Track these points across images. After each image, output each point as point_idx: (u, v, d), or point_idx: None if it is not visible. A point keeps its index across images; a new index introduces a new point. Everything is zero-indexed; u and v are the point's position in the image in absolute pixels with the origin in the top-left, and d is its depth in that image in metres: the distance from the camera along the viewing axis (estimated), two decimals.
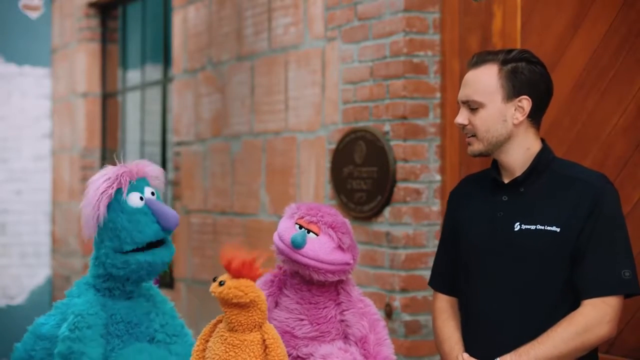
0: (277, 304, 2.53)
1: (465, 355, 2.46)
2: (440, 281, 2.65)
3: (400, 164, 3.71)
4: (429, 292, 3.68)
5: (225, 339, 2.10)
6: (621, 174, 3.00)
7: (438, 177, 3.72)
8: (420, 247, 3.69)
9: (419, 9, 3.70)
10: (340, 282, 2.52)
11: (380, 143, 3.75)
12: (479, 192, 2.56)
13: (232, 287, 2.06)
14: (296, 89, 4.39)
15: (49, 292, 7.47)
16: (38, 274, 7.54)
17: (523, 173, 2.44)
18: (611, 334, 2.36)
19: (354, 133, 3.91)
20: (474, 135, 2.46)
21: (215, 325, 2.20)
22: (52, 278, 7.55)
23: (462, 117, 2.47)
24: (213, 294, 2.09)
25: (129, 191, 2.20)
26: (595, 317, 2.33)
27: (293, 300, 2.52)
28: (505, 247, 2.42)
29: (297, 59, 4.38)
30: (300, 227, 2.47)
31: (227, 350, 2.09)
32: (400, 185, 3.70)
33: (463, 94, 2.47)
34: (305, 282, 2.52)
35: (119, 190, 2.21)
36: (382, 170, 3.76)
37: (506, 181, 2.48)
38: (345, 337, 2.49)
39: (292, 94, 4.42)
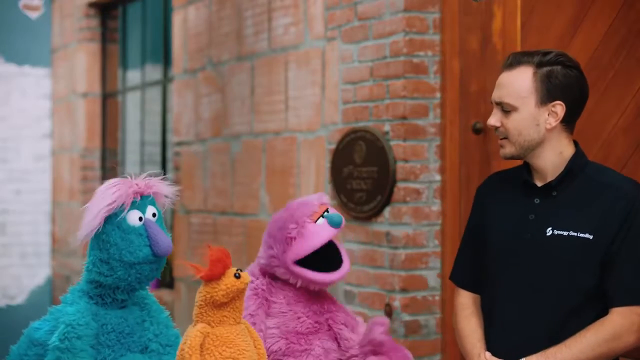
0: (267, 314, 2.52)
1: (488, 354, 2.44)
2: (463, 277, 2.64)
3: (400, 164, 3.70)
4: (428, 292, 3.68)
5: (235, 336, 2.07)
6: None
7: (438, 177, 3.72)
8: (420, 247, 3.68)
9: (419, 9, 3.70)
10: None
11: (380, 143, 3.75)
12: (507, 191, 2.53)
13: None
14: (296, 89, 4.39)
15: (49, 292, 7.47)
16: (38, 274, 7.54)
17: (557, 177, 2.42)
18: (638, 342, 2.35)
19: (354, 133, 3.91)
20: (505, 138, 2.44)
21: (202, 343, 2.05)
22: (52, 278, 7.55)
23: (495, 119, 2.45)
24: (237, 288, 2.03)
25: (131, 208, 2.17)
26: (623, 325, 2.32)
27: (284, 304, 2.52)
28: (534, 250, 2.40)
29: (297, 59, 4.38)
30: (326, 211, 2.51)
31: (244, 341, 2.07)
32: (400, 185, 3.70)
33: (496, 95, 2.44)
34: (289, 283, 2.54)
35: (121, 205, 2.18)
36: (382, 170, 3.76)
37: (539, 184, 2.45)
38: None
39: (292, 94, 4.42)
